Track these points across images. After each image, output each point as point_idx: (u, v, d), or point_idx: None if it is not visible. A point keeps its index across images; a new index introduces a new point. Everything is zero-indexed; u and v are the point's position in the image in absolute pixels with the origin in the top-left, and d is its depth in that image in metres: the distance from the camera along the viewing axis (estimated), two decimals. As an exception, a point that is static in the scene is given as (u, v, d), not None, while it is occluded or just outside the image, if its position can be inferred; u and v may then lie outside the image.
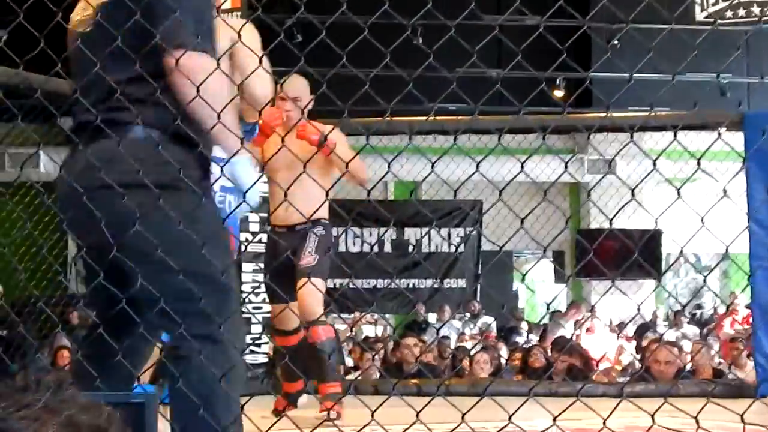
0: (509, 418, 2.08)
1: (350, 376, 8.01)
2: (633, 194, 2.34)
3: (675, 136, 2.52)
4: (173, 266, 2.34)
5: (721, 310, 12.58)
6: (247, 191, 2.52)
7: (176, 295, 2.37)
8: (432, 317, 12.59)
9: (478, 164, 2.50)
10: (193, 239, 2.35)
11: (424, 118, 6.91)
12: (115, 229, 2.35)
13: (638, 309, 2.97)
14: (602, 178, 12.63)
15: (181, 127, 2.40)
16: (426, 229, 11.98)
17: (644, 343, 9.77)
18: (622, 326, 11.26)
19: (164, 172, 2.39)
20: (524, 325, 12.74)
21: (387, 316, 13.23)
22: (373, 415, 2.20)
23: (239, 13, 9.30)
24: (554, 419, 2.15)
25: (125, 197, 2.33)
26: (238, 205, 2.61)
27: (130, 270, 2.39)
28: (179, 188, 2.40)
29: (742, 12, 8.63)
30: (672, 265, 13.97)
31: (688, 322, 12.82)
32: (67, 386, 1.07)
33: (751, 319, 7.54)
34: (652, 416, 2.18)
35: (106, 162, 2.37)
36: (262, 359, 7.17)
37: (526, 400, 2.21)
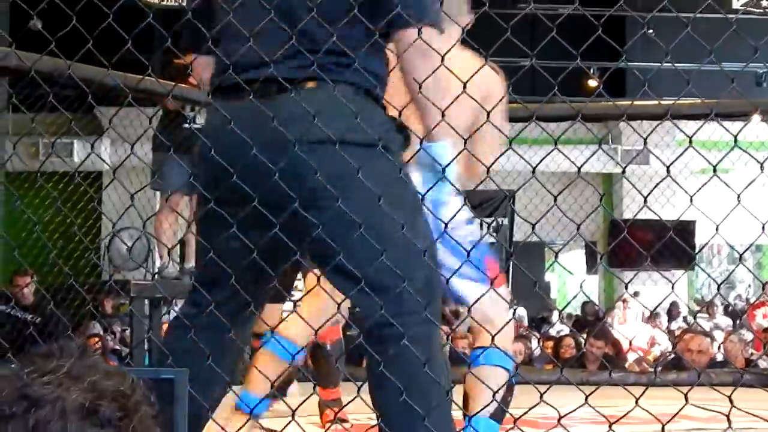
0: (540, 397, 2.09)
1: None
2: (669, 179, 2.33)
3: (715, 121, 2.50)
4: (389, 234, 2.13)
5: (754, 301, 12.50)
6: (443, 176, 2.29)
7: (389, 267, 2.12)
8: (464, 310, 12.57)
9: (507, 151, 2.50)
10: (407, 208, 2.19)
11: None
12: (327, 187, 2.12)
13: (673, 290, 2.92)
14: (629, 162, 12.56)
15: (382, 95, 2.27)
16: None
17: (676, 331, 9.74)
18: (655, 316, 11.22)
19: (376, 132, 2.19)
20: (555, 315, 12.73)
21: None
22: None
23: None
24: (586, 398, 2.16)
25: (342, 154, 2.12)
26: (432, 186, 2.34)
27: (323, 235, 2.14)
28: (391, 151, 2.22)
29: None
30: (701, 249, 13.87)
31: (722, 314, 12.76)
32: (91, 353, 1.09)
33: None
34: (686, 395, 2.18)
35: (314, 115, 2.13)
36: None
37: (557, 380, 2.21)
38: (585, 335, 9.05)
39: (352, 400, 2.28)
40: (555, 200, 2.35)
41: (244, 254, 2.21)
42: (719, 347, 8.19)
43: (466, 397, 3.06)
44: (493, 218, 11.72)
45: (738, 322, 11.59)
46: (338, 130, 2.14)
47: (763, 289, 2.72)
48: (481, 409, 2.99)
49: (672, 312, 12.58)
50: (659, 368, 7.74)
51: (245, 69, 2.22)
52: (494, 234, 12.39)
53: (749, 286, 15.74)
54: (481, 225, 12.34)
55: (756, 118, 6.83)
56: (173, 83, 6.03)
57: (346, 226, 2.11)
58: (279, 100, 2.18)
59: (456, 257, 2.82)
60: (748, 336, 9.23)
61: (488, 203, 11.55)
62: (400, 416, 2.09)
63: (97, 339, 8.29)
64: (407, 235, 2.15)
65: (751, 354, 8.21)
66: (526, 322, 11.97)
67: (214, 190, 2.23)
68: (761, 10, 8.52)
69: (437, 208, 2.43)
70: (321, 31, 2.18)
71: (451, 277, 2.43)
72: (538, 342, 9.09)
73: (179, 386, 1.70)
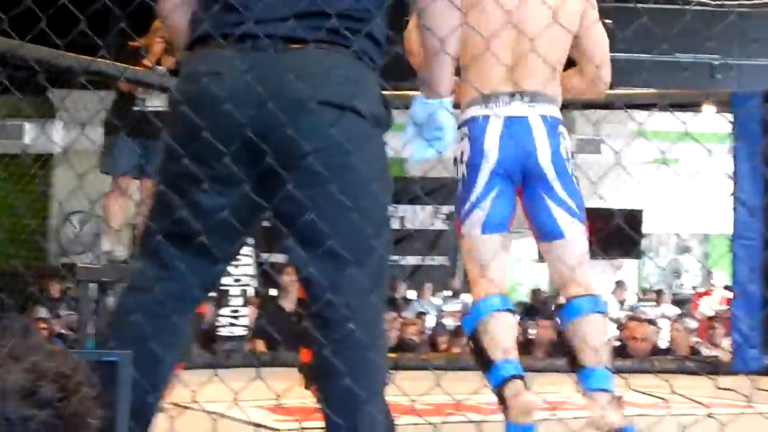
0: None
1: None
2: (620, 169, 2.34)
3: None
4: (369, 213, 2.07)
5: (701, 290, 12.66)
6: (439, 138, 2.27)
7: (363, 246, 2.06)
8: (414, 295, 12.62)
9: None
10: (388, 189, 2.15)
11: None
12: (329, 154, 2.04)
13: (620, 284, 2.98)
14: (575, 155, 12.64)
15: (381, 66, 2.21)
16: (411, 206, 11.97)
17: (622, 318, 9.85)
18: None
19: (378, 105, 2.15)
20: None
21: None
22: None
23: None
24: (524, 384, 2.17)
25: (349, 121, 2.06)
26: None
27: (303, 198, 2.04)
28: (386, 126, 2.18)
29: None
30: (641, 239, 14.05)
31: (669, 302, 12.90)
32: (34, 333, 1.07)
33: (727, 300, 7.60)
34: (627, 382, 2.20)
35: (322, 75, 2.06)
36: (241, 332, 7.20)
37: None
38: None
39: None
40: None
41: (218, 213, 2.10)
42: (660, 334, 8.30)
43: (570, 350, 3.07)
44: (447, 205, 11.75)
45: (683, 310, 11.73)
46: (346, 97, 2.08)
47: (709, 276, 2.74)
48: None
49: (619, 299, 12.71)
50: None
51: (242, 22, 2.10)
52: (448, 221, 12.43)
53: (696, 276, 15.92)
54: (437, 212, 12.40)
55: (709, 109, 6.89)
56: (126, 66, 5.96)
57: (334, 196, 2.03)
58: (286, 56, 2.07)
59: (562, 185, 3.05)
60: (693, 324, 9.35)
61: (443, 189, 11.58)
62: (344, 398, 2.04)
63: (42, 323, 8.17)
64: (383, 216, 2.13)
65: (696, 342, 8.32)
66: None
67: (192, 143, 2.09)
68: (717, 2, 8.59)
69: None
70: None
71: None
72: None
73: (122, 369, 1.68)
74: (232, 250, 2.26)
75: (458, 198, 3.18)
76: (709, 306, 11.73)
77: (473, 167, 3.11)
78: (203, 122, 2.07)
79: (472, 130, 3.12)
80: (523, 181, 3.13)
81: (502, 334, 2.99)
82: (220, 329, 7.13)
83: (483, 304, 3.08)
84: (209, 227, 2.10)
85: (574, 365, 3.02)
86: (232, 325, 7.14)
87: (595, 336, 3.00)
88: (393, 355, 7.03)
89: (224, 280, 7.04)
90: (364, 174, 2.07)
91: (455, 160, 3.18)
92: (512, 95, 3.01)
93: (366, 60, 2.15)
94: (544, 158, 3.09)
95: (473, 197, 3.11)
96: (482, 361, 3.02)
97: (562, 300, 3.20)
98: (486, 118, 3.10)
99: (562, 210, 3.10)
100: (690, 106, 6.55)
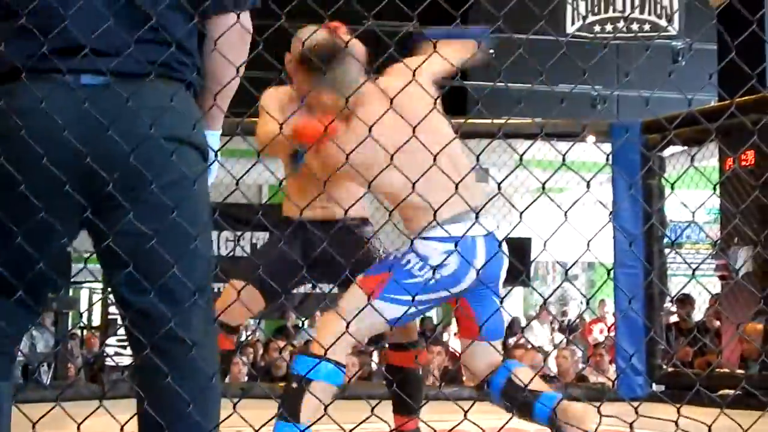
0: (372, 410, 2.09)
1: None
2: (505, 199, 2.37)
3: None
4: (196, 247, 2.04)
5: (588, 316, 12.90)
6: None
7: (196, 277, 2.06)
8: (306, 323, 12.57)
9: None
10: (209, 220, 2.14)
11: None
12: (165, 185, 2.00)
13: (501, 305, 3.05)
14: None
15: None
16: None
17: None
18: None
19: (201, 133, 2.13)
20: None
21: (259, 320, 13.13)
22: (241, 416, 2.18)
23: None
24: (413, 410, 2.17)
25: (176, 151, 2.02)
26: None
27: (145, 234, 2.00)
28: (206, 156, 2.15)
29: (609, 27, 8.89)
30: (530, 265, 14.28)
31: (556, 330, 13.11)
32: None
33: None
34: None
35: (152, 109, 2.01)
36: (129, 361, 7.06)
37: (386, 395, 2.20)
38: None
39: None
40: (390, 215, 2.37)
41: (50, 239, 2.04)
42: (546, 361, 8.42)
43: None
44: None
45: (570, 337, 11.93)
46: (183, 130, 2.06)
47: (587, 305, 2.80)
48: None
49: (512, 328, 12.87)
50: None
51: (66, 51, 2.01)
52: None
53: (581, 302, 16.23)
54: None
55: (591, 138, 7.06)
56: None
57: (175, 229, 2.01)
58: (120, 88, 2.00)
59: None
60: (579, 352, 9.52)
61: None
62: (182, 429, 2.03)
63: None
64: (207, 247, 2.12)
65: (583, 369, 8.47)
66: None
67: (23, 172, 1.98)
68: (592, 35, 8.82)
69: None
70: (163, 19, 2.06)
71: None
72: (379, 357, 9.14)
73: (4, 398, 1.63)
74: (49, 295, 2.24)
75: (396, 278, 3.16)
76: (600, 332, 11.96)
77: (441, 283, 3.16)
78: (27, 161, 1.97)
79: (462, 251, 3.10)
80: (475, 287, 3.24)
81: (321, 407, 2.86)
82: (107, 359, 6.99)
83: (335, 372, 3.09)
84: (33, 274, 2.03)
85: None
86: (118, 354, 7.01)
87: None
88: (282, 384, 6.98)
89: (112, 309, 6.91)
90: (201, 207, 2.09)
91: (421, 256, 3.16)
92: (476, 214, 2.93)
93: (191, 90, 2.15)
94: (503, 272, 3.36)
95: (418, 298, 3.12)
96: (293, 413, 3.01)
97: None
98: (474, 240, 3.16)
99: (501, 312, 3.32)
100: (572, 135, 6.70)
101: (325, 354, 2.95)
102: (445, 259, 3.09)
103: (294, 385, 3.07)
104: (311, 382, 3.04)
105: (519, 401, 3.15)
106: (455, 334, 10.93)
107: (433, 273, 3.11)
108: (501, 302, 3.21)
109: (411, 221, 3.22)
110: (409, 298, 3.09)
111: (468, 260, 3.09)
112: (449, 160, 3.05)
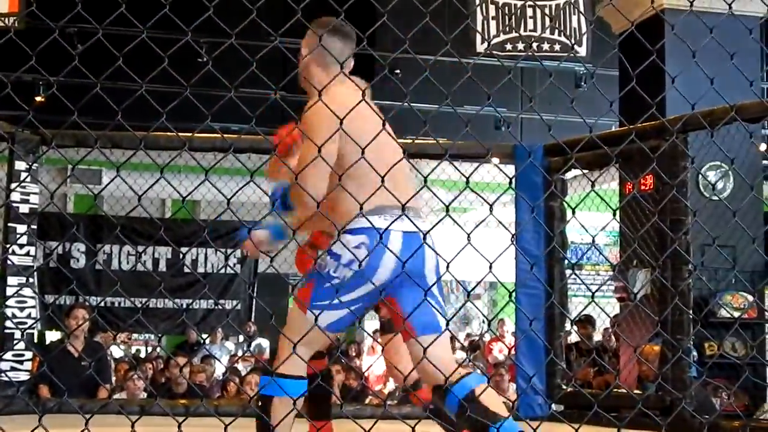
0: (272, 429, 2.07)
1: (116, 396, 7.81)
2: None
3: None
4: None
5: (489, 336, 13.01)
6: None
7: None
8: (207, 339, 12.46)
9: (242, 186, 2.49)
10: None
11: (205, 135, 6.84)
12: None
13: (405, 321, 3.05)
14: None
15: None
16: (203, 249, 11.81)
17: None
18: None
19: None
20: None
21: (160, 336, 12.96)
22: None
23: (16, 19, 8.96)
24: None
25: None
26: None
27: None
28: None
29: (521, 46, 9.01)
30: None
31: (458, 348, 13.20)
32: None
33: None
34: (413, 428, 2.23)
35: None
36: (24, 377, 6.88)
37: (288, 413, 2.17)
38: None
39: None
40: (294, 234, 2.37)
41: None
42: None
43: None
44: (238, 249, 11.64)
45: (473, 355, 12.02)
46: None
47: (489, 326, 2.83)
48: None
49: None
50: (395, 401, 7.91)
51: None
52: (240, 264, 12.34)
53: (483, 321, 16.37)
54: (227, 257, 12.29)
55: (494, 160, 7.14)
56: None
57: None
58: None
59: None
60: (480, 370, 9.59)
61: (234, 233, 11.48)
62: None
63: None
64: None
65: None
66: (267, 355, 11.96)
67: None
68: (504, 53, 8.93)
69: None
70: None
71: None
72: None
73: None
74: None
75: (318, 285, 3.16)
76: (500, 351, 12.08)
77: (359, 277, 3.12)
78: None
79: (372, 242, 3.09)
80: (401, 285, 3.19)
81: (287, 426, 3.08)
82: (2, 375, 6.81)
83: (292, 384, 3.15)
84: None
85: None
86: (14, 369, 6.83)
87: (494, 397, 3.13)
88: (183, 401, 6.89)
89: (8, 323, 6.76)
90: None
91: (335, 255, 3.15)
92: (403, 209, 2.92)
93: None
94: (430, 270, 3.24)
95: (343, 299, 3.11)
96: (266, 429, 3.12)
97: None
98: (388, 232, 3.11)
99: (439, 308, 3.23)
100: (477, 157, 6.77)
101: (275, 371, 3.12)
102: (356, 246, 3.09)
103: (259, 403, 3.19)
104: (272, 399, 3.14)
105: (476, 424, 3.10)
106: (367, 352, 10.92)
107: (348, 266, 3.12)
108: (425, 294, 3.13)
109: (342, 214, 3.16)
110: (337, 301, 3.10)
111: (380, 248, 3.07)
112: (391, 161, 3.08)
